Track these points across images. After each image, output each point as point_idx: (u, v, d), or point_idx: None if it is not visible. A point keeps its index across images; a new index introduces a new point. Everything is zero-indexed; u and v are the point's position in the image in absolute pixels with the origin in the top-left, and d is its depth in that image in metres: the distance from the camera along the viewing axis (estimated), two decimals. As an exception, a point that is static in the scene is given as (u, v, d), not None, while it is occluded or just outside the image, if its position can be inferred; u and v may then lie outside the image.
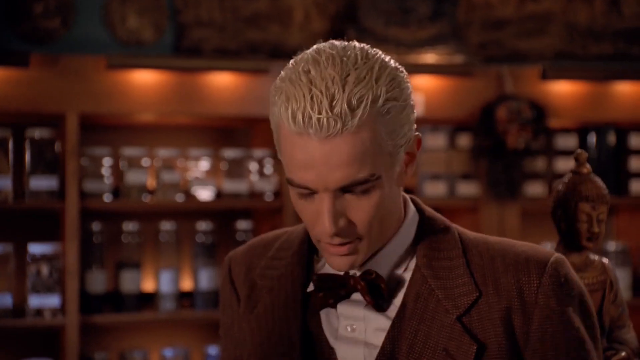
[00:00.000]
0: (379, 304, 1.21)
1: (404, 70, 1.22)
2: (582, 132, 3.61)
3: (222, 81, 3.25)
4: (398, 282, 1.23)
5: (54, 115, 3.09)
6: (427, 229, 1.25)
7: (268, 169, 3.30)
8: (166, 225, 3.26)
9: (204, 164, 3.27)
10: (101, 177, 3.15)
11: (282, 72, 1.19)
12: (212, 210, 3.37)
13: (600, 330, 1.45)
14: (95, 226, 3.18)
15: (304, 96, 1.12)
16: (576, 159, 1.50)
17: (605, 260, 1.50)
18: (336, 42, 1.20)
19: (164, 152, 3.24)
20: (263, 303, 1.28)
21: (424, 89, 3.36)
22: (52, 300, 3.03)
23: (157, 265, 3.27)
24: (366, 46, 1.20)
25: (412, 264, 1.24)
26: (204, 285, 3.22)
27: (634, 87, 3.64)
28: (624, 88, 3.63)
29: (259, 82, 3.26)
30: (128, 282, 3.17)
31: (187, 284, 3.34)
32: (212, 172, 3.28)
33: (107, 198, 3.15)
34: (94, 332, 3.24)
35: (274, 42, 3.43)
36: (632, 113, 3.63)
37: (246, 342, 1.28)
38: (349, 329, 1.22)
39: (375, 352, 1.21)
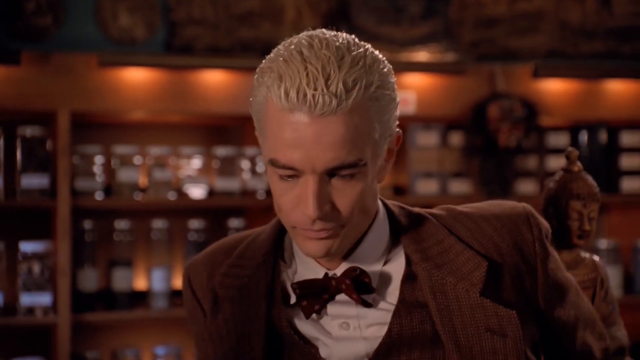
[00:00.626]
0: (365, 300, 1.18)
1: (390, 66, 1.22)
2: (573, 130, 3.62)
3: (214, 79, 3.24)
4: (382, 277, 1.21)
5: (45, 113, 3.09)
6: (401, 221, 1.24)
7: (260, 166, 3.30)
8: (158, 224, 3.26)
9: (196, 162, 3.27)
10: (93, 175, 3.14)
11: (269, 56, 1.17)
12: (204, 208, 3.37)
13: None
14: (87, 224, 3.17)
15: (299, 72, 1.11)
16: (567, 157, 1.50)
17: (596, 258, 1.51)
18: (325, 30, 1.19)
19: (155, 150, 3.23)
20: (223, 315, 1.24)
21: (416, 87, 3.37)
22: (43, 299, 3.02)
23: (149, 263, 3.27)
24: (354, 37, 1.20)
25: (394, 256, 1.22)
26: (196, 283, 3.22)
27: (625, 86, 3.65)
28: (615, 86, 3.64)
29: (251, 80, 3.25)
30: (120, 280, 3.17)
31: (179, 282, 3.34)
32: (204, 170, 3.28)
33: (99, 196, 3.14)
34: (86, 330, 3.24)
35: (266, 40, 3.42)
36: (623, 111, 3.64)
37: (209, 356, 1.25)
38: (343, 328, 1.20)
39: (375, 345, 1.19)
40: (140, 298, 3.24)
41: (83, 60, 3.09)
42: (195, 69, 3.22)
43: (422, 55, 3.44)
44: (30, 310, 3.02)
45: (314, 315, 1.21)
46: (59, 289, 3.02)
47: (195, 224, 3.29)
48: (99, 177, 3.15)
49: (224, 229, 3.32)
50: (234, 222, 3.31)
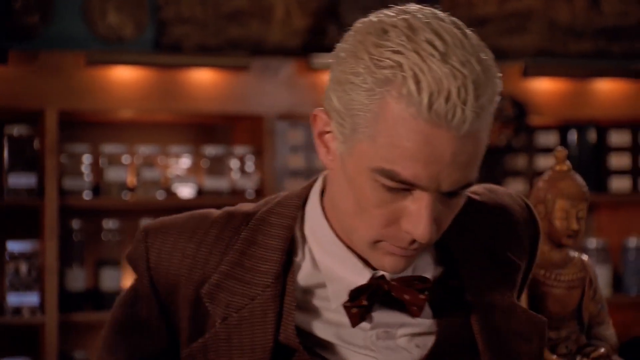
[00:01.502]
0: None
1: None
2: (562, 129, 3.62)
3: (203, 78, 3.23)
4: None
5: (33, 112, 3.07)
6: None
7: (249, 166, 3.29)
8: (146, 223, 3.24)
9: (185, 161, 3.26)
10: (81, 174, 3.13)
11: (371, 33, 0.96)
12: (193, 208, 3.33)
13: (580, 327, 1.45)
14: (75, 224, 3.16)
15: (446, 78, 0.92)
16: (556, 157, 1.50)
17: (584, 257, 1.51)
18: (424, 8, 1.00)
19: (144, 149, 3.22)
20: (213, 335, 1.03)
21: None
22: (31, 299, 3.00)
23: (138, 263, 3.25)
24: (455, 19, 1.01)
25: (429, 256, 1.09)
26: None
27: (614, 85, 3.65)
28: (604, 86, 3.64)
29: (240, 79, 3.25)
30: (108, 280, 3.15)
31: (167, 282, 3.32)
32: (193, 169, 3.27)
33: (87, 195, 3.12)
34: (74, 330, 3.22)
35: (255, 39, 3.41)
36: (612, 111, 3.64)
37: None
38: (381, 337, 1.05)
39: (421, 354, 1.05)
40: (129, 298, 3.23)
41: (71, 59, 3.07)
42: (184, 67, 3.20)
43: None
44: (18, 310, 3.00)
45: (333, 317, 1.04)
46: (46, 289, 3.00)
47: (184, 223, 3.27)
48: (87, 177, 3.14)
49: (212, 229, 3.30)
50: (223, 222, 3.30)
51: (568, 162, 1.51)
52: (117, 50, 3.28)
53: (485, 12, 3.71)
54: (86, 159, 3.14)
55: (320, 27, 3.44)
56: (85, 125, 3.33)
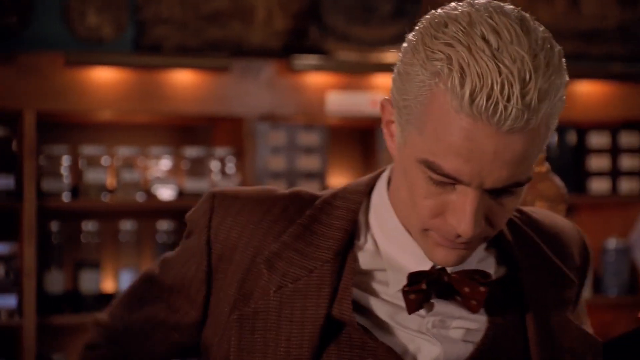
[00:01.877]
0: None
1: None
2: (542, 131, 3.64)
3: (183, 79, 3.22)
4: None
5: (11, 113, 3.04)
6: None
7: (230, 167, 3.28)
8: (126, 225, 3.23)
9: (165, 163, 3.24)
10: (60, 176, 3.11)
11: (430, 24, 0.97)
12: (173, 210, 3.34)
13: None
14: (54, 226, 3.13)
15: (490, 74, 0.91)
16: (535, 158, 1.50)
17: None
18: (492, 2, 0.99)
19: (124, 151, 3.20)
20: (264, 302, 1.04)
21: (385, 88, 3.36)
22: (8, 301, 2.98)
23: (117, 265, 3.23)
24: (525, 15, 1.00)
25: (489, 257, 1.08)
26: (165, 285, 3.19)
27: (594, 87, 3.67)
28: (584, 88, 3.66)
29: (220, 80, 3.24)
30: (87, 282, 3.13)
31: (147, 284, 3.30)
32: (173, 170, 3.25)
33: (66, 197, 3.10)
34: (52, 333, 3.20)
35: (236, 40, 3.40)
36: (592, 112, 3.66)
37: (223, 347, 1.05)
38: (438, 326, 1.05)
39: (469, 349, 1.04)
40: (108, 300, 3.20)
41: (50, 60, 3.05)
42: (164, 68, 3.19)
43: (392, 56, 3.43)
44: (-4, 313, 2.97)
45: (387, 297, 1.04)
46: (24, 291, 2.98)
47: (164, 225, 3.26)
48: (66, 178, 3.11)
49: (193, 230, 3.29)
50: (204, 223, 3.28)
51: (547, 164, 1.52)
52: (96, 51, 3.26)
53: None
54: (65, 160, 3.12)
55: (302, 29, 3.44)
56: (64, 127, 3.30)
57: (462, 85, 0.93)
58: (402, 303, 1.04)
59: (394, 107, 1.01)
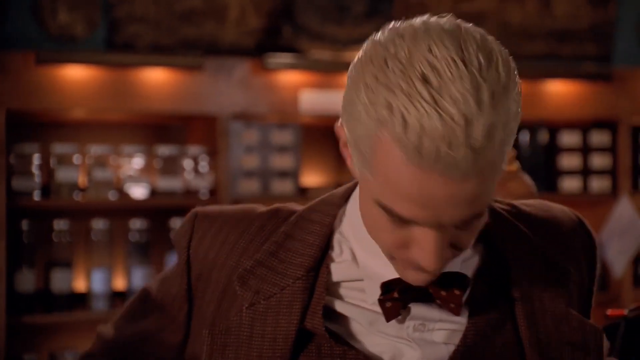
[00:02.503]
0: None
1: None
2: (515, 130, 3.66)
3: (156, 77, 3.20)
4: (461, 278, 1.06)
5: (-19, 111, 3.02)
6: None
7: (203, 166, 3.27)
8: (98, 224, 3.21)
9: (138, 161, 3.23)
10: (31, 174, 3.08)
11: (373, 62, 0.93)
12: (146, 208, 3.33)
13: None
14: (25, 225, 3.11)
15: (432, 122, 0.88)
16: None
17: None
18: (442, 23, 0.97)
19: (96, 149, 3.18)
20: (237, 320, 1.05)
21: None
22: (-21, 301, 2.95)
23: (89, 264, 3.21)
24: (480, 33, 0.97)
25: (473, 256, 1.08)
26: (138, 284, 3.18)
27: (565, 86, 3.71)
28: (555, 87, 3.69)
29: (194, 79, 3.23)
30: (59, 281, 3.11)
31: (120, 283, 3.29)
32: (146, 169, 3.24)
33: (37, 196, 3.08)
34: (23, 332, 3.17)
35: (209, 39, 3.39)
36: (563, 112, 3.69)
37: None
38: (419, 329, 1.04)
39: (450, 351, 1.04)
40: (80, 299, 3.19)
41: (20, 58, 3.03)
42: (137, 67, 3.18)
43: (365, 55, 3.44)
44: (-34, 313, 2.94)
45: (378, 311, 1.04)
46: (-5, 291, 2.95)
47: (136, 224, 3.25)
48: (37, 177, 3.09)
49: (166, 229, 3.28)
50: (177, 222, 3.27)
51: (517, 163, 1.53)
52: (68, 49, 3.24)
53: (438, 14, 3.73)
54: (36, 159, 3.10)
55: (275, 27, 3.44)
56: (36, 125, 3.28)
57: (406, 135, 0.89)
58: (382, 311, 1.04)
59: (346, 137, 0.98)
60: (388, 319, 1.03)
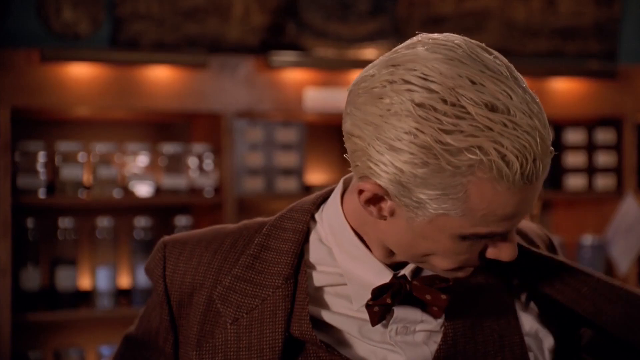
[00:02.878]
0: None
1: None
2: (519, 128, 3.65)
3: (160, 75, 3.20)
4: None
5: (-14, 109, 3.02)
6: None
7: (208, 164, 3.27)
8: (103, 222, 3.21)
9: (142, 159, 3.23)
10: (35, 172, 3.08)
11: (438, 118, 0.92)
12: (151, 206, 3.33)
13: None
14: (30, 222, 3.11)
15: (524, 142, 0.92)
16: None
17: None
18: (445, 53, 0.96)
19: (100, 147, 3.18)
20: (223, 337, 1.06)
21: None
22: (-16, 299, 2.95)
23: (94, 262, 3.22)
24: (477, 44, 1.00)
25: None
26: (142, 282, 3.18)
27: (570, 84, 3.70)
28: (559, 84, 3.69)
29: (198, 76, 3.23)
30: (64, 279, 3.11)
31: (124, 281, 3.29)
32: (151, 167, 3.24)
33: (42, 194, 3.08)
34: (28, 330, 3.18)
35: (213, 36, 3.39)
36: (568, 109, 3.69)
37: None
38: (400, 332, 1.06)
39: (433, 351, 1.06)
40: (85, 297, 3.19)
41: (25, 56, 3.03)
42: (141, 64, 3.17)
43: (369, 53, 3.44)
44: (-29, 310, 2.95)
45: (361, 317, 1.06)
46: (0, 289, 2.95)
47: (141, 222, 3.25)
48: (42, 175, 3.09)
49: (170, 227, 3.28)
50: (181, 220, 3.27)
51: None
52: (72, 47, 3.24)
53: (442, 12, 3.72)
54: (41, 156, 3.10)
55: (279, 25, 3.43)
56: (40, 123, 3.28)
57: (508, 166, 0.93)
58: (365, 316, 1.05)
59: (393, 196, 0.97)
60: (374, 323, 1.04)
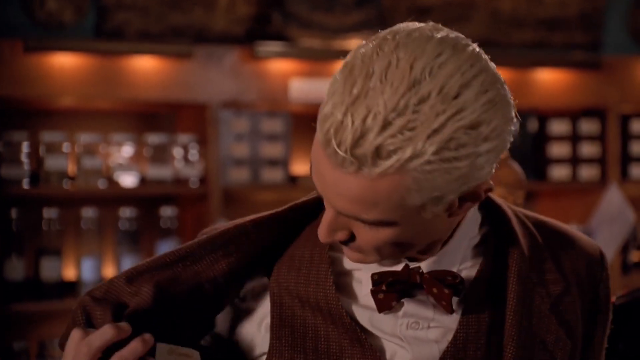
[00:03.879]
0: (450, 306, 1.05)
1: (508, 98, 1.02)
2: (504, 118, 3.66)
3: (145, 65, 3.19)
4: (465, 279, 1.08)
5: (-31, 98, 3.00)
6: (491, 207, 1.12)
7: (193, 154, 3.26)
8: (88, 212, 3.20)
9: (127, 150, 3.22)
10: (19, 162, 3.07)
11: (355, 52, 0.98)
12: (136, 197, 3.32)
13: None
14: (14, 213, 3.10)
15: (338, 110, 0.95)
16: (494, 144, 1.51)
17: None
18: (423, 29, 0.98)
19: (85, 137, 3.17)
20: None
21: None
22: (-32, 290, 2.94)
23: (79, 252, 3.21)
24: (467, 52, 0.99)
25: (479, 256, 1.10)
26: (128, 272, 3.18)
27: (555, 75, 3.71)
28: (545, 75, 3.70)
29: (183, 67, 3.22)
30: (48, 269, 3.11)
31: (109, 272, 3.29)
32: (136, 157, 3.23)
33: (26, 184, 3.07)
34: (13, 321, 3.17)
35: (198, 26, 3.38)
36: (553, 100, 3.70)
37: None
38: (412, 327, 1.07)
39: (442, 350, 1.07)
40: (70, 288, 3.19)
41: (8, 46, 3.01)
42: (126, 54, 3.16)
43: (355, 43, 3.43)
44: (-45, 301, 2.94)
45: (369, 303, 1.08)
46: (-16, 280, 2.95)
47: (126, 212, 3.24)
48: (26, 165, 3.08)
49: (155, 218, 3.28)
50: (167, 211, 3.27)
51: (506, 151, 1.53)
52: (56, 36, 3.22)
53: (428, 1, 3.73)
54: (25, 147, 3.09)
55: (265, 15, 3.42)
56: (24, 113, 3.27)
57: (322, 110, 0.98)
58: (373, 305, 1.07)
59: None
60: (380, 310, 1.05)
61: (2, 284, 3.03)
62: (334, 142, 0.95)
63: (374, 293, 1.05)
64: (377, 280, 1.05)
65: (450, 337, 1.07)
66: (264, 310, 1.12)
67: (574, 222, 3.75)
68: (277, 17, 3.39)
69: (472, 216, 1.10)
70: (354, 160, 0.94)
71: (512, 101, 1.04)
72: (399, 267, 1.07)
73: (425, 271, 1.06)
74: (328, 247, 1.11)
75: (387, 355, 1.07)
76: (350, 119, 0.94)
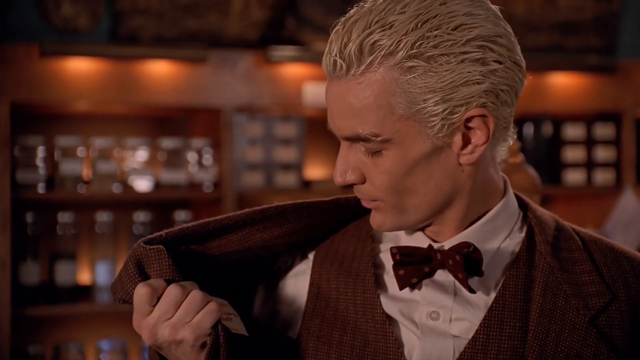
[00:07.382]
0: (469, 286, 1.04)
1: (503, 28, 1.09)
2: (519, 122, 3.66)
3: (160, 70, 3.20)
4: (492, 261, 1.07)
5: (-15, 103, 3.02)
6: (533, 215, 1.11)
7: (207, 159, 3.27)
8: (102, 216, 3.21)
9: (142, 154, 3.23)
10: (35, 167, 3.09)
11: None
12: (150, 201, 3.33)
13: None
14: (29, 217, 3.12)
15: (333, 32, 1.06)
16: (509, 149, 1.51)
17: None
18: None
19: (100, 142, 3.18)
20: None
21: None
22: (-16, 293, 2.96)
23: (93, 256, 3.22)
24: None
25: (512, 245, 1.09)
26: (142, 276, 3.18)
27: (570, 79, 3.70)
28: (559, 79, 3.69)
29: (197, 71, 3.23)
30: (63, 273, 3.12)
31: (124, 276, 3.29)
32: (150, 162, 3.24)
33: (41, 188, 3.08)
34: (28, 324, 3.18)
35: (213, 31, 3.39)
36: (567, 104, 3.69)
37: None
38: (431, 317, 1.06)
39: (461, 345, 1.05)
40: (84, 292, 3.20)
41: (24, 50, 3.03)
42: (140, 59, 3.18)
43: (369, 47, 3.44)
44: (-30, 305, 2.95)
45: (399, 293, 1.08)
46: None
47: (140, 216, 3.25)
48: (42, 169, 3.09)
49: (170, 222, 3.29)
50: (181, 215, 3.28)
51: (521, 155, 1.53)
52: (72, 41, 3.24)
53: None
54: (40, 151, 3.10)
55: (279, 20, 3.43)
56: (40, 117, 3.28)
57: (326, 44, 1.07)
58: (407, 294, 1.08)
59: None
60: (401, 287, 1.06)
61: (17, 288, 3.04)
62: (328, 53, 1.04)
63: (395, 268, 1.06)
64: (396, 253, 1.06)
65: (468, 333, 1.05)
66: (300, 293, 1.15)
67: (589, 226, 3.73)
68: (291, 21, 3.40)
69: (505, 210, 1.09)
70: (342, 63, 1.02)
71: (509, 32, 1.11)
72: (424, 245, 1.08)
73: (447, 247, 1.07)
74: (371, 240, 1.13)
75: (406, 349, 1.06)
76: (342, 30, 1.04)
